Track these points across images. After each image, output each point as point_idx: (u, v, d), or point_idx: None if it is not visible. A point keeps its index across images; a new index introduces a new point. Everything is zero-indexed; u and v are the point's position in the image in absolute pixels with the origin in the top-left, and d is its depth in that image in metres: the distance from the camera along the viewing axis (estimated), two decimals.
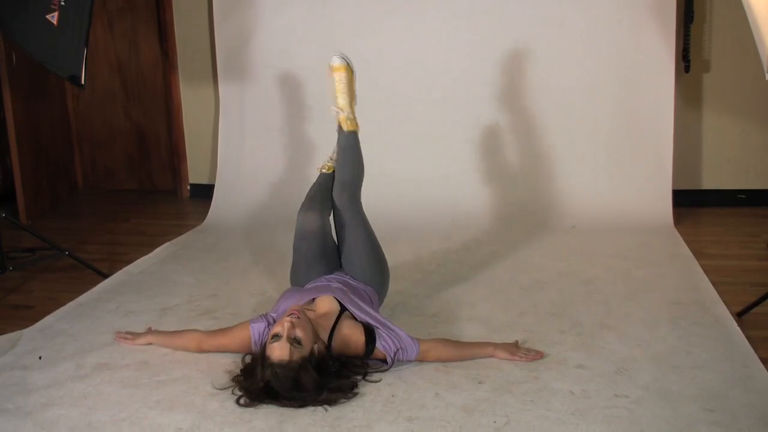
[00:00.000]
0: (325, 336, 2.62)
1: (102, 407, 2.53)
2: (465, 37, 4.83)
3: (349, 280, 3.04)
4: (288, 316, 2.53)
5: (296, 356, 2.45)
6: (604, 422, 2.33)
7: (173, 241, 4.47)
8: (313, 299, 2.78)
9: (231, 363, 2.79)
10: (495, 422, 2.34)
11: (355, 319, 2.72)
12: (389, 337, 2.67)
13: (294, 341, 2.47)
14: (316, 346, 2.52)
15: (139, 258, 4.14)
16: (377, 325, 2.70)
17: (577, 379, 2.60)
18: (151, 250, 4.27)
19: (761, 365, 2.65)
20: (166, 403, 2.54)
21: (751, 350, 2.77)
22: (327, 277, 3.06)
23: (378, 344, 2.65)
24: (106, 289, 3.71)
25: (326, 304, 2.74)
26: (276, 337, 2.49)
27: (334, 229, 3.22)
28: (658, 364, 2.70)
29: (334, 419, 2.39)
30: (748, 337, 2.87)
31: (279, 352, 2.46)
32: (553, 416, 2.37)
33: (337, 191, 3.16)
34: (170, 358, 2.88)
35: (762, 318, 3.10)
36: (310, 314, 2.66)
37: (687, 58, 4.73)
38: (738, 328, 2.97)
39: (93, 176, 5.96)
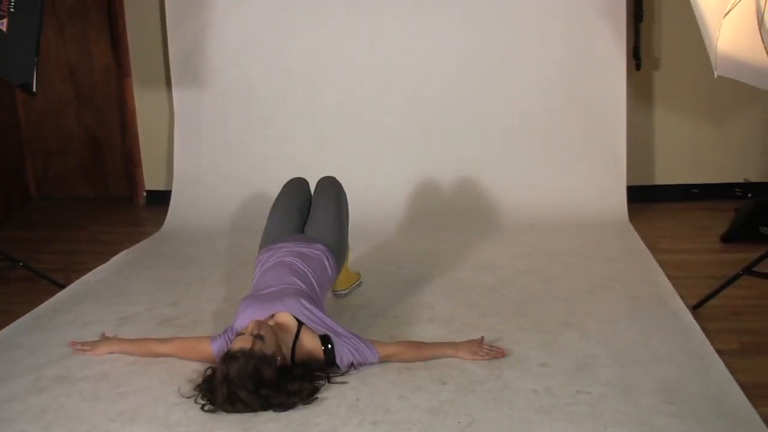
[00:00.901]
0: (287, 350, 2.62)
1: (62, 421, 2.48)
2: (421, 38, 4.85)
3: (304, 249, 3.03)
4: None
5: (258, 347, 2.45)
6: (568, 419, 2.35)
7: (130, 249, 4.41)
8: (272, 315, 2.74)
9: (193, 372, 2.76)
10: (460, 422, 2.35)
11: (314, 331, 2.71)
12: (347, 347, 2.67)
13: (258, 337, 2.48)
14: (279, 358, 2.52)
15: (95, 267, 4.07)
16: (334, 336, 2.70)
17: (539, 377, 2.62)
18: (108, 259, 4.20)
19: (717, 357, 2.71)
20: (128, 414, 2.51)
21: (707, 342, 2.83)
22: (284, 248, 3.05)
23: (336, 357, 2.65)
24: (62, 299, 3.64)
25: (285, 318, 2.72)
26: (239, 335, 2.51)
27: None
28: (618, 360, 2.74)
29: (299, 425, 2.38)
30: (703, 330, 2.94)
31: (241, 342, 2.47)
32: (516, 415, 2.39)
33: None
34: (131, 369, 2.84)
35: (717, 310, 3.17)
36: (272, 328, 2.65)
37: (638, 56, 4.81)
38: (694, 321, 3.03)
39: (46, 185, 5.84)
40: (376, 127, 4.94)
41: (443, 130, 4.90)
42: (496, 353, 2.76)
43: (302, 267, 2.94)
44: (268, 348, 2.49)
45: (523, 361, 2.75)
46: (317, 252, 3.04)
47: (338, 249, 3.16)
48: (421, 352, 2.78)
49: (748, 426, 2.28)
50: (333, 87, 4.96)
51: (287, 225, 3.24)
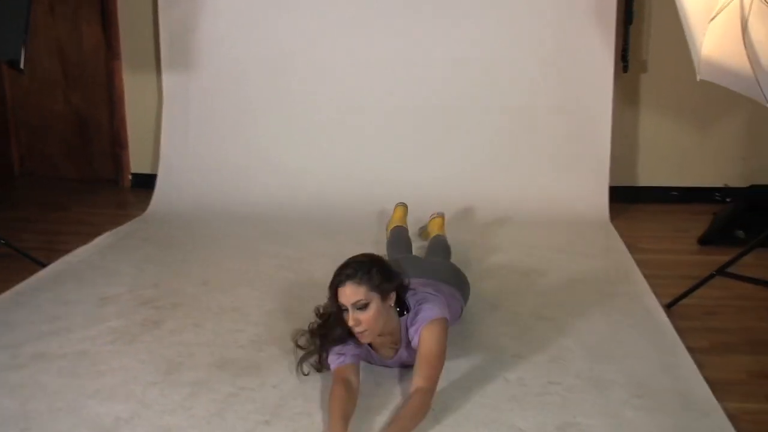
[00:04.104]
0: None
1: (39, 397, 2.50)
2: (413, 37, 4.87)
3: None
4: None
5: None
6: (537, 408, 2.40)
7: (114, 230, 4.42)
8: None
9: (174, 353, 2.80)
10: (432, 409, 2.38)
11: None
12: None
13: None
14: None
15: (78, 248, 4.08)
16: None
17: (512, 368, 2.67)
18: (91, 240, 4.21)
19: (687, 354, 2.77)
20: (106, 392, 2.53)
21: (679, 340, 2.89)
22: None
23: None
24: (43, 278, 3.65)
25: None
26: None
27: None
28: (590, 353, 2.79)
29: (275, 407, 2.42)
30: (676, 328, 2.99)
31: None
32: (488, 403, 2.44)
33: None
34: (109, 348, 2.87)
35: (689, 309, 3.22)
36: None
37: (626, 58, 4.86)
38: (667, 318, 3.09)
39: (30, 164, 5.83)
40: (366, 117, 4.96)
41: (430, 126, 4.93)
42: None
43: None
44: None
45: (497, 352, 2.79)
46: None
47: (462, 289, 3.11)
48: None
49: (712, 419, 2.34)
50: (324, 75, 4.97)
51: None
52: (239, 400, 2.47)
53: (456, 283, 3.00)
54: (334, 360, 2.50)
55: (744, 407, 2.43)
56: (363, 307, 2.38)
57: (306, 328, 2.64)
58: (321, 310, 2.60)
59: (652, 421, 2.32)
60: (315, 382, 2.57)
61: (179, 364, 2.73)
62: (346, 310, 2.40)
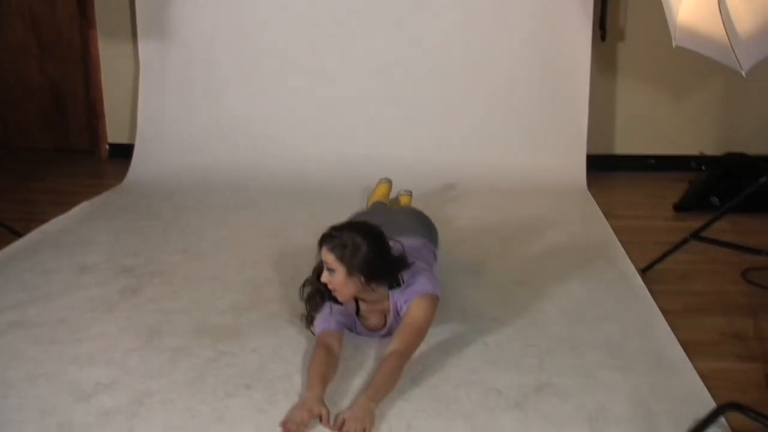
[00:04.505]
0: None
1: (17, 364, 2.50)
2: (391, 8, 4.86)
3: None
4: None
5: None
6: (515, 369, 2.44)
7: (91, 200, 4.39)
8: None
9: (154, 320, 2.81)
10: (411, 370, 2.41)
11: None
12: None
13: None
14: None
15: (55, 217, 4.05)
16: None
17: (490, 331, 2.70)
18: (69, 210, 4.18)
19: (661, 316, 2.81)
20: (85, 359, 2.54)
21: (653, 303, 2.94)
22: None
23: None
24: (20, 247, 3.63)
25: None
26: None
27: None
28: (567, 317, 2.83)
29: (255, 370, 2.44)
30: (651, 291, 3.04)
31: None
32: (466, 365, 2.47)
33: None
34: (88, 316, 2.86)
35: (664, 273, 3.27)
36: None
37: (604, 27, 4.87)
38: (642, 282, 3.14)
39: (5, 135, 5.76)
40: (343, 87, 4.95)
41: (408, 97, 4.93)
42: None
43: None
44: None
45: (476, 316, 2.82)
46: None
47: (430, 238, 3.16)
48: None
49: (684, 378, 2.38)
50: (304, 45, 4.95)
51: None
52: (219, 365, 2.48)
53: (426, 233, 3.04)
54: (319, 325, 2.52)
55: (715, 366, 2.48)
56: (330, 271, 2.43)
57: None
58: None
59: (626, 380, 2.37)
60: (295, 347, 2.59)
61: (159, 330, 2.74)
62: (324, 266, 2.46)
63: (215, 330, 2.74)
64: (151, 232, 3.85)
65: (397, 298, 2.53)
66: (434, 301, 2.52)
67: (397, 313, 2.54)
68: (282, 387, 2.34)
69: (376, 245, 2.47)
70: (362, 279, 2.43)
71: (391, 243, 2.56)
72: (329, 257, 2.41)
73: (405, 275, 2.54)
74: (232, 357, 2.53)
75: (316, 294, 2.54)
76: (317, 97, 4.96)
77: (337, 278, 2.42)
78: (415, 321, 2.45)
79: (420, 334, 2.46)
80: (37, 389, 2.35)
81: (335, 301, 2.50)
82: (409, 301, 2.49)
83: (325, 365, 2.35)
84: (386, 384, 2.29)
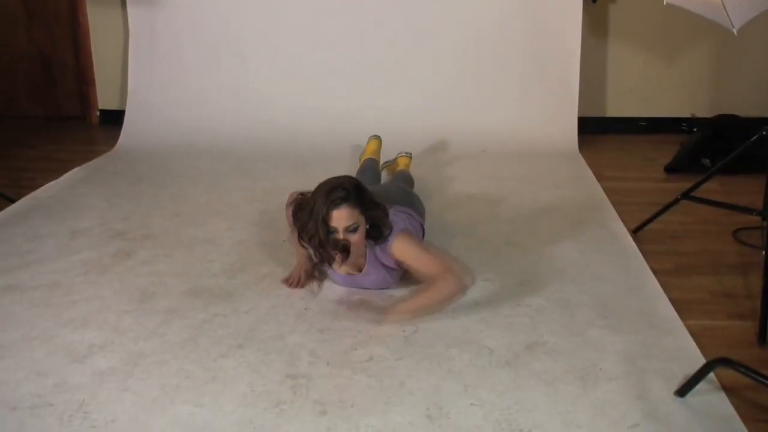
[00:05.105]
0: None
1: (12, 327, 2.52)
2: None
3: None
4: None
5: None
6: (507, 329, 2.46)
7: (83, 166, 4.38)
8: None
9: (147, 283, 2.81)
10: (404, 331, 2.44)
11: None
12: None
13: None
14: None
15: (46, 183, 4.04)
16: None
17: (482, 291, 2.72)
18: (60, 176, 4.17)
19: (652, 276, 2.84)
20: (79, 321, 2.55)
21: (644, 262, 2.96)
22: None
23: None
24: (12, 213, 3.62)
25: None
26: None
27: None
28: (558, 277, 2.85)
29: (248, 331, 2.45)
30: (641, 251, 3.06)
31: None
32: (459, 324, 2.49)
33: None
34: (82, 279, 2.87)
35: (654, 234, 3.29)
36: None
37: None
38: (633, 243, 3.16)
39: None
40: (331, 51, 4.92)
41: (398, 57, 4.90)
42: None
43: None
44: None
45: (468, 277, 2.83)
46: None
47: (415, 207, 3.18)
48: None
49: (675, 336, 2.41)
50: (289, 11, 4.91)
51: None
52: (212, 325, 2.49)
53: (409, 203, 3.06)
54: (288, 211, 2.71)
55: (705, 324, 2.51)
56: (354, 230, 2.48)
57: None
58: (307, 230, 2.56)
59: (617, 338, 2.39)
60: (288, 309, 2.60)
61: (152, 293, 2.75)
62: (335, 231, 2.47)
63: (208, 292, 2.75)
64: (142, 197, 3.85)
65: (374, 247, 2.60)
66: (404, 235, 2.58)
67: (375, 259, 2.62)
68: (275, 346, 2.36)
69: (360, 184, 2.57)
70: (367, 225, 2.52)
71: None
72: (354, 214, 2.46)
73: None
74: (224, 318, 2.55)
75: (331, 253, 2.54)
76: (307, 61, 4.93)
77: (359, 234, 2.50)
78: (415, 258, 2.56)
79: (430, 257, 2.57)
80: (33, 351, 2.36)
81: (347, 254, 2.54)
82: (385, 251, 2.57)
83: None
84: (435, 301, 2.51)
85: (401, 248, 2.57)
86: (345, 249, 2.49)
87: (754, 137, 2.93)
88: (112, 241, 3.24)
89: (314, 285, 2.76)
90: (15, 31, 5.53)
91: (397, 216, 2.66)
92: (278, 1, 4.91)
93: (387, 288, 2.73)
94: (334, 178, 2.56)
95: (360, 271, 2.68)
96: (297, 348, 2.35)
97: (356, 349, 2.34)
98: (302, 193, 2.65)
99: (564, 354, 2.31)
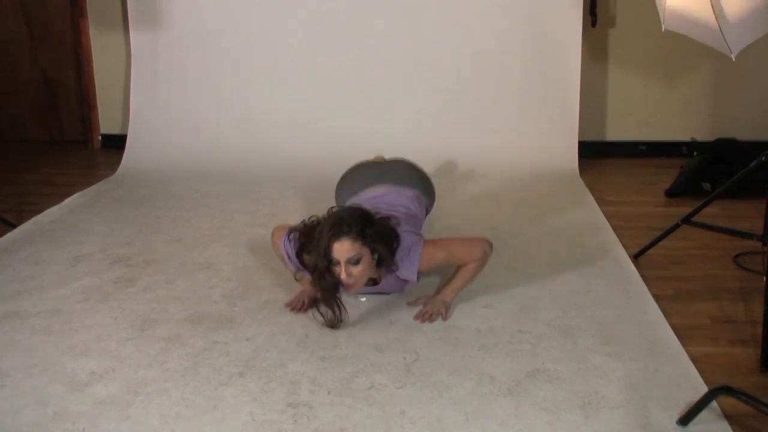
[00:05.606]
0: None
1: (12, 354, 2.51)
2: None
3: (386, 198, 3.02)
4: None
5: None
6: (508, 356, 2.45)
7: (84, 190, 4.39)
8: None
9: (148, 310, 2.81)
10: (405, 359, 2.43)
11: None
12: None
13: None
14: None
15: (48, 208, 4.05)
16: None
17: (483, 318, 2.72)
18: (62, 200, 4.18)
19: (653, 301, 2.83)
20: (80, 348, 2.54)
21: (645, 288, 2.95)
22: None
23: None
24: (14, 239, 3.63)
25: None
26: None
27: None
28: (559, 303, 2.84)
29: (248, 359, 2.45)
30: (642, 277, 3.06)
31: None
32: (459, 352, 2.48)
33: None
34: (83, 306, 2.87)
35: (656, 259, 3.29)
36: None
37: (594, 12, 4.87)
38: (634, 268, 3.16)
39: None
40: (333, 74, 4.95)
41: (399, 81, 4.93)
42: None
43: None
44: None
45: (469, 303, 2.83)
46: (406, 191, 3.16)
47: (427, 194, 3.34)
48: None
49: (676, 362, 2.40)
50: (293, 33, 4.94)
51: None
52: (213, 353, 2.49)
53: (419, 184, 3.09)
54: (283, 247, 2.73)
55: (707, 350, 2.50)
56: (356, 261, 2.50)
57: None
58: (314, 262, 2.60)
59: (618, 365, 2.38)
60: (290, 336, 2.60)
61: (153, 320, 2.75)
62: (337, 263, 2.49)
63: (209, 318, 2.75)
64: (144, 222, 3.85)
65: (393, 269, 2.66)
66: (423, 246, 2.67)
67: (395, 276, 2.70)
68: (276, 374, 2.36)
69: (371, 216, 2.58)
70: (376, 257, 2.56)
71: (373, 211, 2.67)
72: (354, 246, 2.48)
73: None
74: (225, 345, 2.55)
75: (326, 290, 2.57)
76: (310, 85, 4.96)
77: (363, 265, 2.52)
78: (449, 252, 2.74)
79: (455, 243, 2.79)
80: (33, 379, 2.36)
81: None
82: (410, 267, 2.65)
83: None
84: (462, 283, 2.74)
85: (426, 266, 2.70)
86: (336, 287, 2.55)
87: (753, 163, 2.93)
88: (114, 267, 3.25)
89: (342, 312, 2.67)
90: (19, 55, 5.57)
91: (406, 236, 2.68)
92: (280, 25, 4.94)
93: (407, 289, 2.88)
94: (342, 208, 2.62)
95: (376, 284, 2.76)
96: (298, 376, 2.34)
97: (357, 377, 2.34)
98: (292, 228, 2.70)
99: (566, 381, 2.30)
